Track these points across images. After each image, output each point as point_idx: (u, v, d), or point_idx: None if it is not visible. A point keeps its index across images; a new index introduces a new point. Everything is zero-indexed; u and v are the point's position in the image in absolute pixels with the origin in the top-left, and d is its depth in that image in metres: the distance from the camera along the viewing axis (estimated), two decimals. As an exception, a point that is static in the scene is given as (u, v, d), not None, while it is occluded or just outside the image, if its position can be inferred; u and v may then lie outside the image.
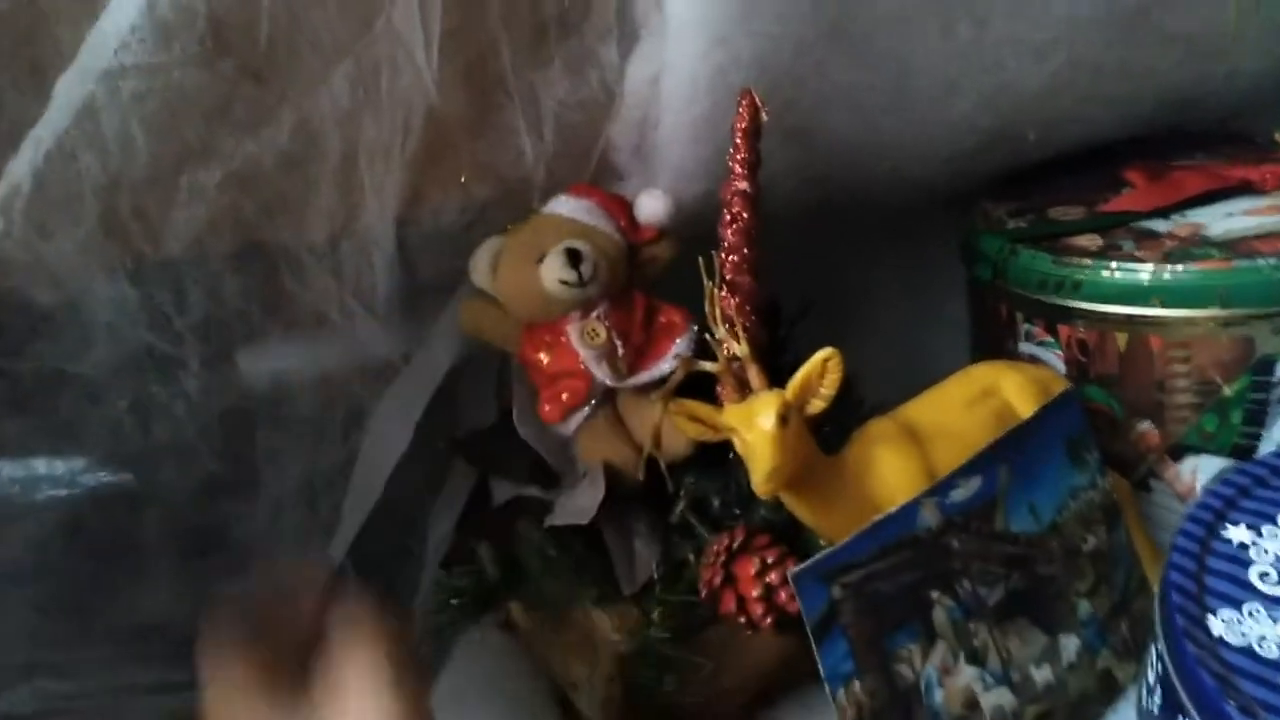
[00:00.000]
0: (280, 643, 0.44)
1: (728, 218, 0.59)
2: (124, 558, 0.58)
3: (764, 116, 0.59)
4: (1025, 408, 0.59)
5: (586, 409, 0.61)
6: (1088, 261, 0.65)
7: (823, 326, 0.64)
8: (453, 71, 0.59)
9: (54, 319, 0.52)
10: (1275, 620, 0.48)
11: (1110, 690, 0.58)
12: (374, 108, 0.57)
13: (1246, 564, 0.51)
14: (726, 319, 0.57)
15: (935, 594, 0.53)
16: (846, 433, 0.57)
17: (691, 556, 0.58)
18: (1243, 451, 0.64)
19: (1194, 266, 0.62)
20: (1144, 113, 0.77)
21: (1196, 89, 0.77)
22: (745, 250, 0.59)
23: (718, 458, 0.60)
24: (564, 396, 0.61)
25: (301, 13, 0.52)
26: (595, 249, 0.59)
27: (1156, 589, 0.62)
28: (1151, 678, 0.52)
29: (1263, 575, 0.50)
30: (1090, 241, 0.68)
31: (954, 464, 0.55)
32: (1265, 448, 0.64)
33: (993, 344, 0.74)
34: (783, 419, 0.51)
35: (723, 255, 0.59)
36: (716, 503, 0.60)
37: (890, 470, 0.56)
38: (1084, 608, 0.58)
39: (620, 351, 0.60)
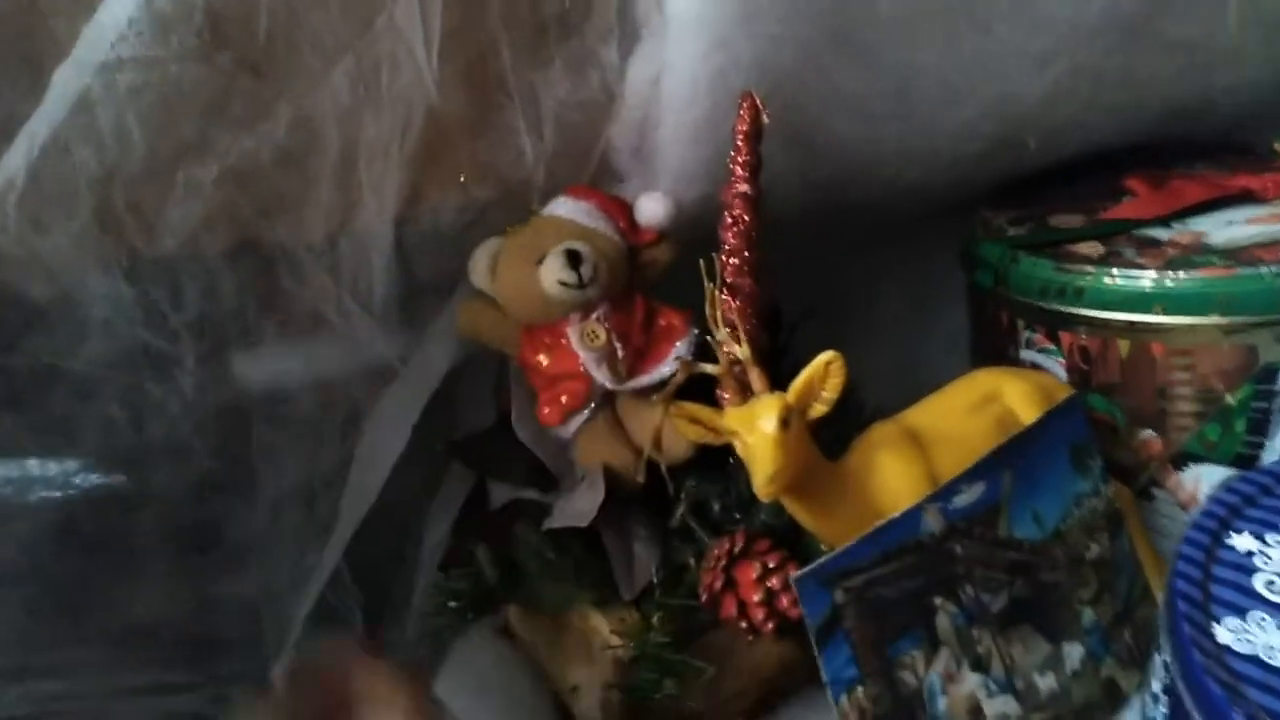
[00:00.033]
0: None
1: (729, 220, 0.59)
2: (118, 558, 0.57)
3: (765, 119, 0.58)
4: (1028, 414, 0.58)
5: (586, 412, 0.61)
6: (1090, 268, 0.65)
7: (822, 332, 0.63)
8: (453, 71, 0.59)
9: (48, 314, 0.51)
10: (1282, 628, 0.47)
11: (1114, 699, 0.58)
12: (374, 106, 0.57)
13: (1252, 572, 0.51)
14: (728, 322, 0.56)
15: (938, 600, 0.52)
16: (847, 439, 0.57)
17: (692, 561, 0.58)
18: (1246, 461, 0.63)
19: (1196, 274, 0.62)
20: (1145, 122, 0.77)
21: (1197, 99, 0.77)
22: (746, 253, 0.59)
23: (718, 462, 0.59)
24: (563, 399, 0.60)
25: (301, 8, 0.52)
26: (595, 251, 0.59)
27: (1159, 598, 0.62)
28: (1157, 687, 0.52)
29: (1269, 584, 0.50)
30: (1091, 249, 0.68)
31: (956, 470, 0.54)
32: (1269, 457, 0.63)
33: (993, 351, 0.74)
34: (784, 422, 0.50)
35: (723, 258, 0.59)
36: (717, 507, 0.59)
37: (892, 475, 0.55)
38: (1087, 615, 0.57)
39: (620, 354, 0.60)
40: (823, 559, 0.50)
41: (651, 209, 0.62)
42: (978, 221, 0.76)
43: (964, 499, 0.54)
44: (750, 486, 0.51)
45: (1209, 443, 0.64)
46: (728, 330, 0.55)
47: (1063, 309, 0.66)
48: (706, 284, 0.55)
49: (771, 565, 0.55)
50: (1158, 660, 0.52)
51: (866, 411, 0.63)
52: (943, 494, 0.53)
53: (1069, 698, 0.56)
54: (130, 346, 0.53)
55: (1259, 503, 0.54)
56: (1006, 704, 0.54)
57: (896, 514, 0.52)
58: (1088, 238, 0.69)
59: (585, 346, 0.59)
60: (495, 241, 0.61)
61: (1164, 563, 0.64)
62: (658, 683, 0.55)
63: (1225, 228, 0.67)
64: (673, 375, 0.57)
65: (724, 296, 0.57)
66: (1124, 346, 0.65)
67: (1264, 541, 0.52)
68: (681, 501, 0.59)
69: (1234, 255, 0.62)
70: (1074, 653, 0.57)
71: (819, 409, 0.53)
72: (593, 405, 0.61)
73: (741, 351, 0.54)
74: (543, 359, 0.60)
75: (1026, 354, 0.71)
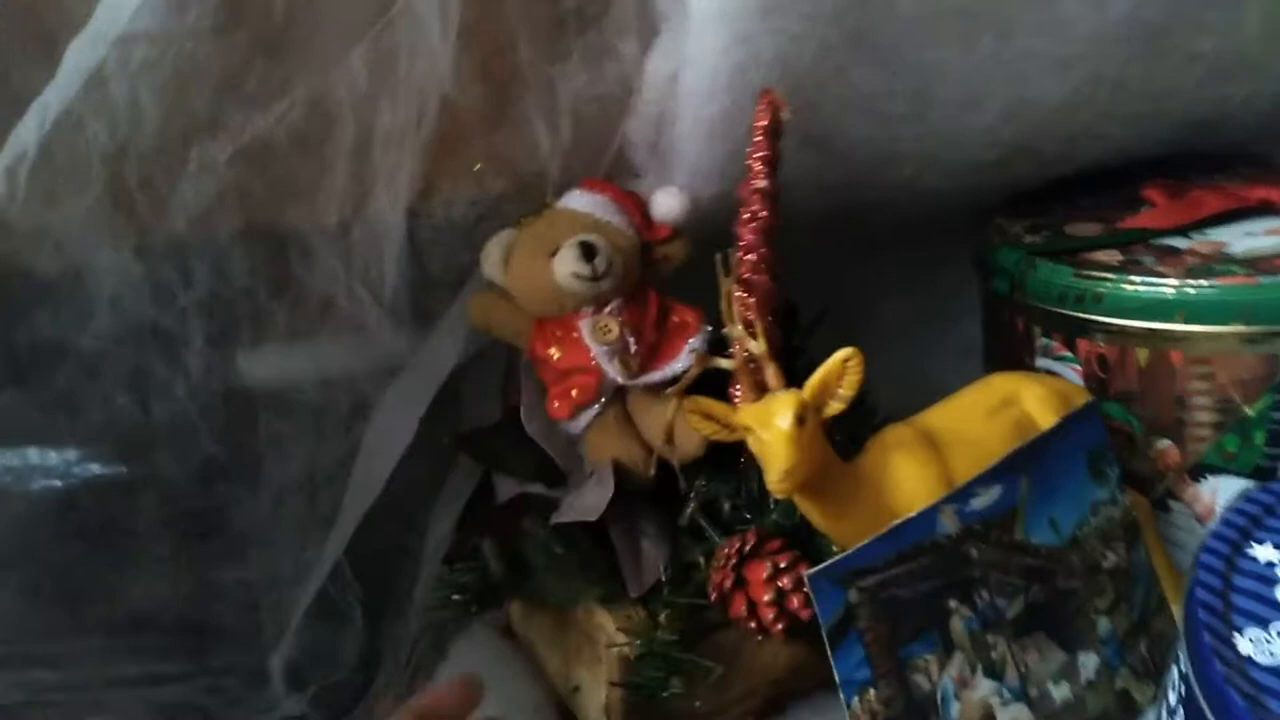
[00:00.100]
0: None
1: (746, 216, 0.58)
2: (116, 542, 0.56)
3: (785, 115, 0.58)
4: (1046, 419, 0.57)
5: (596, 407, 0.60)
6: (1110, 275, 0.64)
7: (834, 337, 0.63)
8: (470, 61, 0.58)
9: (56, 289, 0.50)
10: (1304, 640, 0.46)
11: (1129, 712, 0.57)
12: (390, 93, 0.56)
13: (1273, 582, 0.50)
14: (743, 318, 0.55)
15: (953, 603, 0.51)
16: (859, 442, 0.56)
17: (701, 560, 0.57)
18: (1266, 473, 0.63)
19: (1219, 282, 0.61)
20: (1163, 132, 0.77)
21: (1216, 110, 0.76)
22: (763, 249, 0.58)
23: (729, 461, 0.59)
24: (574, 393, 0.59)
25: (320, -12, 0.52)
26: (609, 244, 0.58)
27: (1175, 610, 0.61)
28: (1173, 699, 0.51)
29: (1290, 594, 0.49)
30: (1110, 256, 0.67)
31: (972, 473, 0.53)
32: (1291, 469, 0.63)
33: (1008, 358, 0.73)
34: (800, 419, 0.50)
35: (740, 254, 0.58)
36: (727, 506, 0.59)
37: (907, 477, 0.54)
38: (1103, 625, 0.56)
39: (633, 349, 0.59)
40: (838, 556, 0.49)
41: (667, 204, 0.61)
42: (993, 228, 0.76)
43: (980, 501, 0.53)
44: (761, 486, 0.51)
45: (1228, 454, 0.63)
46: (744, 326, 0.54)
47: (1081, 316, 0.66)
48: (722, 278, 0.54)
49: (783, 565, 0.54)
50: (1174, 673, 0.51)
51: (878, 418, 0.62)
52: (959, 495, 0.52)
53: (1083, 708, 0.55)
54: (138, 324, 0.52)
55: (1279, 513, 0.53)
56: (1020, 712, 0.52)
57: (913, 513, 0.51)
58: (1106, 246, 0.68)
59: (597, 340, 0.58)
60: (509, 233, 0.60)
61: (1180, 575, 0.63)
62: (664, 681, 0.54)
63: (1245, 238, 0.66)
64: (685, 371, 0.56)
65: (740, 293, 0.56)
66: (1143, 355, 0.64)
67: (1286, 552, 0.51)
68: (692, 500, 0.59)
69: (1256, 265, 0.62)
70: (1089, 663, 0.56)
71: (835, 407, 0.52)
72: (603, 400, 0.60)
73: (757, 347, 0.53)
74: (554, 352, 0.60)
75: (1042, 361, 0.70)
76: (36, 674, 0.57)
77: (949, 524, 0.52)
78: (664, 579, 0.56)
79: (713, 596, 0.55)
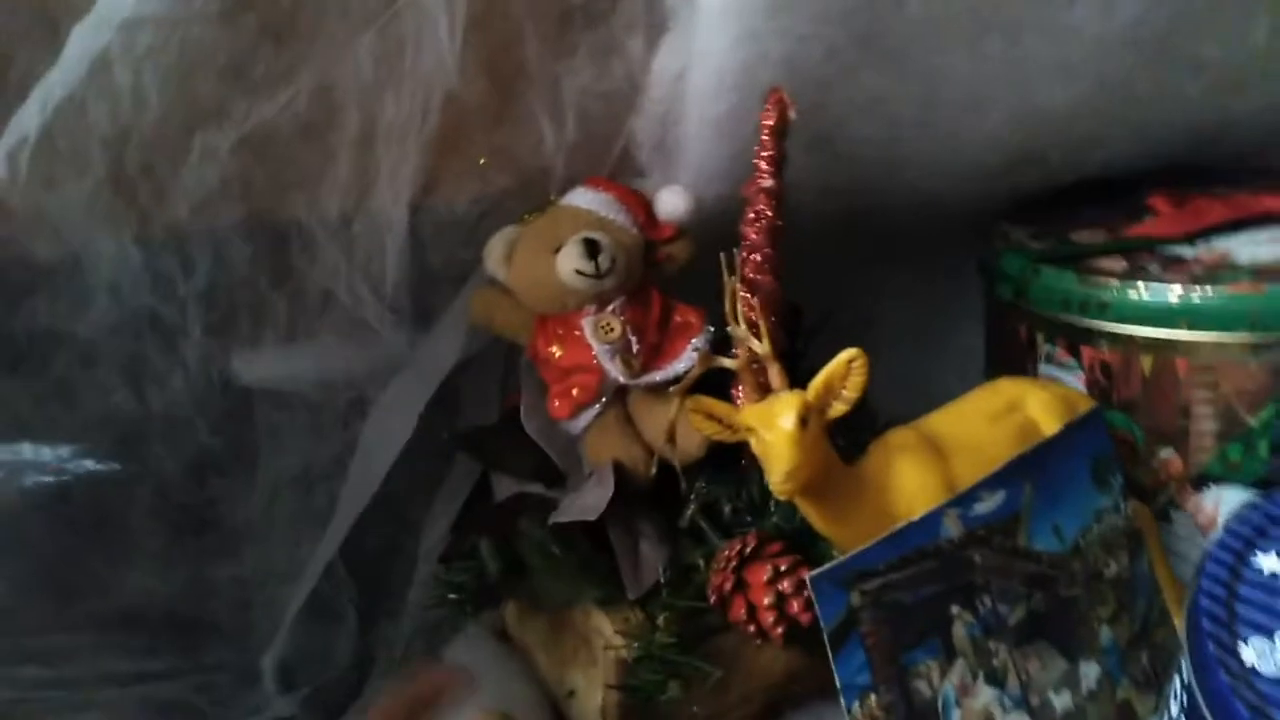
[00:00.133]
0: None
1: (751, 215, 0.58)
2: (109, 536, 0.56)
3: (792, 115, 0.57)
4: (1050, 425, 0.57)
5: (597, 406, 0.59)
6: (1115, 282, 0.64)
7: (837, 341, 0.62)
8: (476, 56, 0.58)
9: (54, 275, 0.50)
10: (1309, 650, 0.46)
11: (1130, 722, 0.56)
12: (395, 85, 0.56)
13: (1278, 593, 0.49)
14: (747, 318, 0.55)
15: (956, 609, 0.51)
16: (861, 447, 0.56)
17: (701, 562, 0.56)
18: (1270, 484, 0.62)
19: (1225, 289, 0.61)
20: (1168, 141, 0.77)
21: (1221, 119, 0.76)
22: (768, 249, 0.58)
23: (730, 463, 0.58)
24: (575, 392, 0.59)
25: (327, -24, 0.51)
26: (613, 242, 0.58)
27: (1177, 621, 0.61)
28: (1175, 709, 0.50)
29: (1296, 605, 0.48)
30: (1115, 264, 0.67)
31: (975, 478, 0.53)
32: (1294, 478, 0.62)
33: (1011, 365, 0.73)
34: (803, 420, 0.49)
35: (744, 254, 0.58)
36: (728, 509, 0.58)
37: (909, 481, 0.54)
38: (1105, 634, 0.56)
39: (635, 348, 0.59)
40: (841, 558, 0.48)
41: (672, 202, 0.61)
42: (997, 234, 0.75)
43: (984, 506, 0.53)
44: (762, 488, 0.50)
45: (1231, 464, 0.63)
46: (747, 326, 0.54)
47: (1085, 323, 0.65)
48: (726, 277, 0.54)
49: (783, 568, 0.54)
50: (1176, 683, 0.50)
51: (880, 422, 0.62)
52: (962, 500, 0.52)
53: (1084, 718, 0.54)
54: (136, 313, 0.52)
55: (1285, 523, 0.53)
56: (1021, 720, 0.52)
57: (916, 517, 0.50)
58: (1111, 253, 0.68)
59: (599, 339, 0.58)
60: (512, 229, 0.60)
61: (1183, 586, 0.62)
62: (662, 685, 0.53)
63: (1250, 247, 0.66)
64: (688, 371, 0.56)
65: (744, 292, 0.56)
66: (1147, 362, 0.64)
67: (1291, 563, 0.50)
68: (692, 501, 0.58)
69: (1261, 273, 0.62)
70: (1091, 672, 0.55)
71: (839, 408, 0.52)
72: (604, 400, 0.60)
73: (760, 347, 0.52)
74: (555, 350, 0.59)
75: (1046, 368, 0.69)
76: (27, 670, 0.57)
77: (953, 528, 0.51)
78: (663, 581, 0.56)
79: (712, 599, 0.54)
